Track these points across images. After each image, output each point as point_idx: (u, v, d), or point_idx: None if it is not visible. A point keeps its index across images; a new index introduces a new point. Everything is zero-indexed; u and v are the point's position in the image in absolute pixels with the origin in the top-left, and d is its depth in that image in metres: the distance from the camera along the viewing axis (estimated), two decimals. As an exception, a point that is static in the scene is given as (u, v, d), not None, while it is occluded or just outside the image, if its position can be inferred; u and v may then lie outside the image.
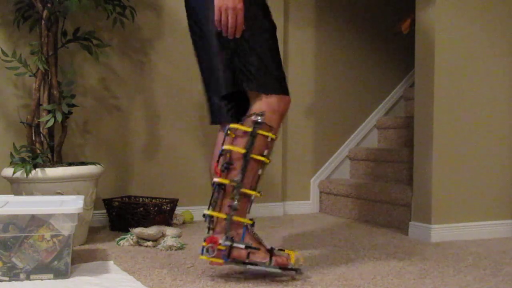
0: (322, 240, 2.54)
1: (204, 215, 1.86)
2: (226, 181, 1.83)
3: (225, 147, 1.86)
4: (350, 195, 3.20)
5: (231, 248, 1.81)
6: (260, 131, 1.85)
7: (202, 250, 1.81)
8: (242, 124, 1.86)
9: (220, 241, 1.80)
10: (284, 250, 1.90)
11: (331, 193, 3.36)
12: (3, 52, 2.51)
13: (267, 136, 1.86)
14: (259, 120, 1.85)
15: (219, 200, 1.84)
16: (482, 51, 2.63)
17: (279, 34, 3.26)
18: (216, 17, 1.84)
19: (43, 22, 2.40)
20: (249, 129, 1.85)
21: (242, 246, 1.81)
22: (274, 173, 3.30)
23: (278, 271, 1.82)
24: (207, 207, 3.04)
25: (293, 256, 1.87)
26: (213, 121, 2.07)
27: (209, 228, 1.85)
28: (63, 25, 2.59)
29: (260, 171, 1.87)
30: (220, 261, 1.80)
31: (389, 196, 2.89)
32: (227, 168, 1.84)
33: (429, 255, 2.23)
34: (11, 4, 2.63)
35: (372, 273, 1.95)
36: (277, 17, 3.25)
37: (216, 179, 1.84)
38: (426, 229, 2.54)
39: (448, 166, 2.55)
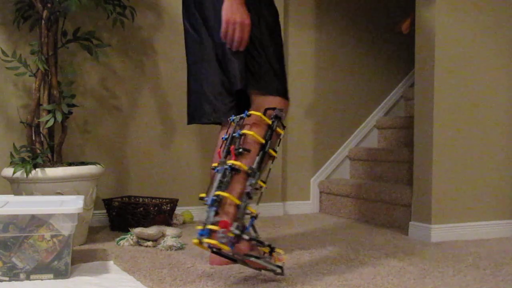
0: (322, 240, 2.54)
1: (215, 196, 1.71)
2: (244, 167, 1.77)
3: (246, 131, 1.80)
4: (350, 195, 3.20)
5: (238, 237, 1.67)
6: (277, 127, 1.87)
7: (203, 233, 1.66)
8: (264, 115, 1.85)
9: (231, 228, 1.66)
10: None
11: (331, 193, 3.36)
12: (3, 52, 2.51)
13: (280, 133, 1.89)
14: (279, 115, 1.86)
15: (230, 184, 1.75)
16: (482, 51, 2.63)
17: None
18: (223, 30, 1.89)
19: (43, 22, 2.40)
20: (270, 122, 1.86)
21: (247, 237, 1.69)
22: (274, 173, 3.29)
23: (278, 269, 1.81)
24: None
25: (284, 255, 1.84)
26: (211, 121, 2.09)
27: (216, 212, 1.70)
28: (63, 25, 2.59)
29: (270, 165, 1.89)
30: (227, 248, 1.65)
31: (389, 196, 2.89)
32: (241, 154, 1.79)
33: (429, 255, 2.23)
34: (11, 4, 2.63)
35: (372, 273, 1.95)
36: (277, 17, 3.25)
37: (231, 162, 1.75)
38: (426, 229, 2.54)
39: (448, 166, 2.55)
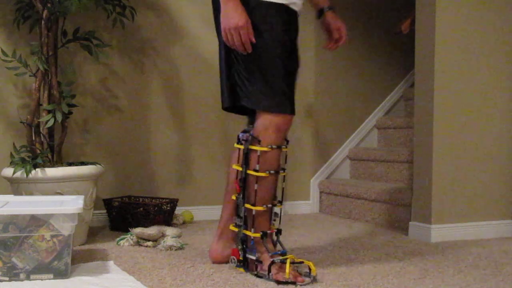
0: (322, 240, 2.54)
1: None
2: (233, 197, 1.97)
3: (232, 166, 1.98)
4: (350, 195, 3.20)
5: (246, 259, 1.93)
6: (251, 147, 1.90)
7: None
8: (238, 143, 1.96)
9: (240, 253, 1.95)
10: (285, 262, 1.85)
11: (331, 193, 3.36)
12: (3, 52, 2.51)
13: (256, 150, 1.88)
14: (245, 139, 1.92)
15: (235, 217, 1.97)
16: (482, 51, 2.63)
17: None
18: (223, 38, 1.87)
19: (43, 22, 2.40)
20: (242, 147, 1.93)
21: (254, 257, 1.90)
22: (274, 173, 3.29)
23: (275, 283, 1.81)
24: (207, 207, 3.08)
25: (288, 269, 1.80)
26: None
27: (235, 241, 1.98)
28: (63, 25, 2.59)
29: (256, 186, 1.87)
30: (243, 270, 1.93)
31: (389, 196, 2.89)
32: (242, 186, 1.94)
33: (429, 255, 2.23)
34: (11, 4, 2.63)
35: (372, 273, 1.95)
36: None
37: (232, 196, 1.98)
38: (426, 229, 2.54)
39: (448, 166, 2.55)
